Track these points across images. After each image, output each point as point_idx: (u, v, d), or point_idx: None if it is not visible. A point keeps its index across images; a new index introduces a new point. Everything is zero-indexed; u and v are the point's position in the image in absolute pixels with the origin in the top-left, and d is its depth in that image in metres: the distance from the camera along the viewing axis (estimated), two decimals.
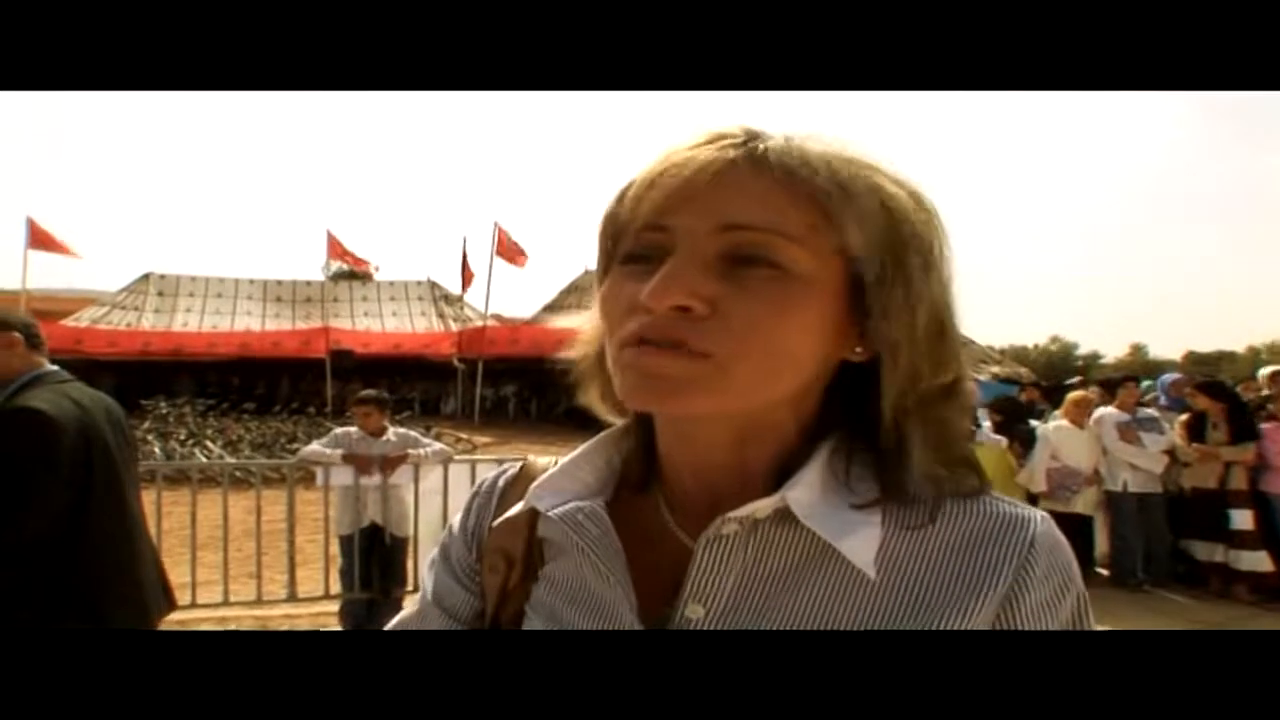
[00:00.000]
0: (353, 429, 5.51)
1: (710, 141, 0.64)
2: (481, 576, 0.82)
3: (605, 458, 0.78)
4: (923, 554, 0.66)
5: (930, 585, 0.65)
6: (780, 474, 0.68)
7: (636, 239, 0.65)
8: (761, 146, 0.63)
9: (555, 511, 0.73)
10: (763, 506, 0.65)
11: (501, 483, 0.86)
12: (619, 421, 0.79)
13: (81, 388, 2.81)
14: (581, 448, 0.78)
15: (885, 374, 0.66)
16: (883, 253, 0.63)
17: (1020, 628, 0.64)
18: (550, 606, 0.75)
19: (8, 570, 2.45)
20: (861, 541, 0.65)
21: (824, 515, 0.66)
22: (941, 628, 0.63)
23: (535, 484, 0.76)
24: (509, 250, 22.82)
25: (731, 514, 0.66)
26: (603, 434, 0.79)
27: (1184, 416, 7.13)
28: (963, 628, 0.63)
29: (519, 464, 0.86)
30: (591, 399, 0.79)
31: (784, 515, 0.66)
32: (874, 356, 0.67)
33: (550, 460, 0.82)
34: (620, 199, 0.68)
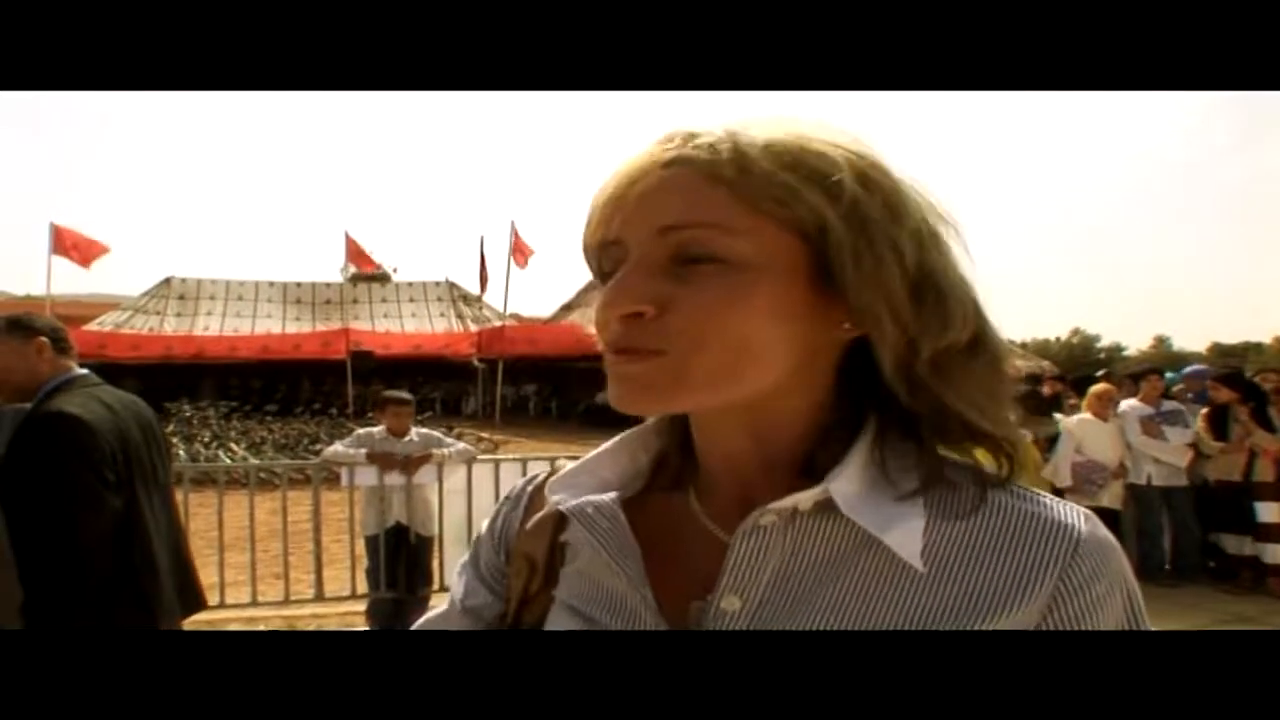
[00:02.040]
0: (376, 429, 5.54)
1: (652, 150, 0.65)
2: (508, 580, 0.82)
3: (630, 455, 0.78)
4: (966, 549, 0.65)
5: (973, 582, 0.63)
6: (807, 463, 0.68)
7: (604, 255, 0.68)
8: (694, 145, 0.63)
9: (567, 506, 0.72)
10: (805, 498, 0.64)
11: (530, 488, 0.86)
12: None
13: (112, 391, 2.82)
14: (604, 445, 0.78)
15: (876, 345, 0.65)
16: (841, 224, 0.61)
17: (1069, 627, 0.62)
18: (573, 606, 0.74)
19: (66, 572, 2.48)
20: (906, 533, 0.64)
21: (867, 507, 0.65)
22: (981, 620, 0.62)
23: (553, 480, 0.76)
24: (516, 250, 22.92)
25: (772, 505, 0.65)
26: (628, 432, 0.78)
27: (1205, 410, 7.06)
28: (1003, 621, 0.62)
29: (548, 469, 0.86)
30: None
31: (825, 506, 0.65)
32: (864, 329, 0.65)
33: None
34: (586, 219, 0.70)
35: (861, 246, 0.62)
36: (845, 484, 0.65)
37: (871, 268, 0.62)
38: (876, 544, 0.64)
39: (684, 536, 0.72)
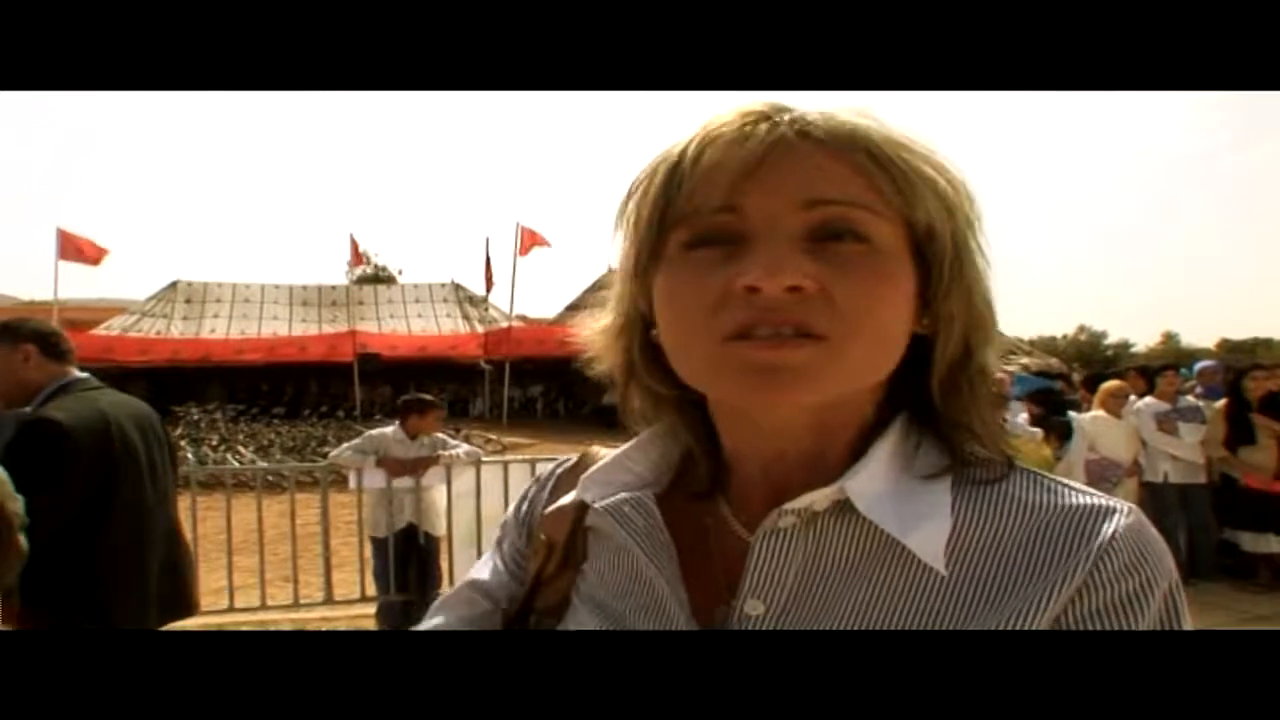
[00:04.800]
0: (389, 429, 5.57)
1: (750, 118, 0.62)
2: (527, 561, 0.81)
3: (661, 450, 0.76)
4: (994, 546, 0.62)
5: (1000, 578, 0.61)
6: (854, 462, 0.66)
7: (706, 223, 0.62)
8: (806, 121, 0.62)
9: (602, 503, 0.72)
10: (820, 498, 0.63)
11: (560, 471, 0.85)
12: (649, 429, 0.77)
13: (111, 394, 2.81)
14: (636, 439, 0.77)
15: (939, 347, 0.65)
16: (947, 225, 0.62)
17: (1091, 623, 0.59)
18: (598, 600, 0.73)
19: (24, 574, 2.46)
20: (929, 534, 0.62)
21: (888, 506, 0.63)
22: (1010, 622, 0.59)
23: (585, 474, 0.75)
24: (529, 241, 22.86)
25: (789, 505, 0.63)
26: (658, 426, 0.76)
27: (1222, 406, 6.99)
28: (1032, 621, 0.59)
29: (577, 454, 0.85)
30: (631, 405, 0.76)
31: (844, 507, 0.64)
32: (934, 331, 0.65)
33: (610, 452, 0.80)
34: (670, 183, 0.63)
35: (962, 256, 0.64)
36: (865, 482, 0.63)
37: (961, 277, 0.64)
38: (900, 545, 0.62)
39: (711, 537, 0.71)
